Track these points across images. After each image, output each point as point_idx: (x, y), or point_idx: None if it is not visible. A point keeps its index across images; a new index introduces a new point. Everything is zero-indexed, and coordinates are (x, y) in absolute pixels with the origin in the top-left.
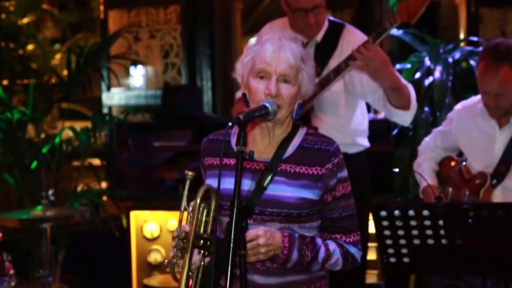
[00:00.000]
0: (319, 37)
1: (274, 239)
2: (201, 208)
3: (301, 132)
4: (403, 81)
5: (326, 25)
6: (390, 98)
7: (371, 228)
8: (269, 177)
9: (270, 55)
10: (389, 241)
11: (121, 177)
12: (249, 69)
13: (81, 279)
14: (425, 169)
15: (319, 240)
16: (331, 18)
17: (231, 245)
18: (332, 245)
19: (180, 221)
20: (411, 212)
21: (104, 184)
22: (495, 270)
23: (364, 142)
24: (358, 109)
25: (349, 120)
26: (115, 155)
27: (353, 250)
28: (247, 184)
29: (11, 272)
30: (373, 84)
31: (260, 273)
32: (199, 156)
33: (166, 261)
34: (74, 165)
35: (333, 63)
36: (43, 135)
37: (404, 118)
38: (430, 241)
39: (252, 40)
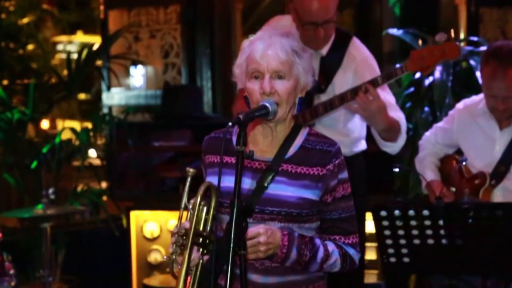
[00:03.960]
0: (324, 50)
1: (274, 237)
2: (201, 206)
3: (303, 132)
4: (396, 115)
5: (332, 36)
6: (381, 134)
7: (370, 228)
8: (270, 177)
9: (260, 53)
10: (389, 241)
11: (121, 177)
12: (244, 70)
13: (81, 279)
14: (427, 164)
15: (318, 241)
16: (338, 28)
17: (231, 245)
18: (331, 246)
19: (180, 218)
20: (411, 212)
21: (104, 184)
22: (495, 270)
23: (362, 146)
24: (356, 117)
25: (349, 132)
26: (115, 155)
27: (351, 251)
28: (248, 183)
29: (11, 272)
30: None
31: (259, 272)
32: (200, 154)
33: (165, 257)
34: (74, 165)
35: (337, 79)
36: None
37: (393, 148)
38: (430, 241)
39: (246, 41)
